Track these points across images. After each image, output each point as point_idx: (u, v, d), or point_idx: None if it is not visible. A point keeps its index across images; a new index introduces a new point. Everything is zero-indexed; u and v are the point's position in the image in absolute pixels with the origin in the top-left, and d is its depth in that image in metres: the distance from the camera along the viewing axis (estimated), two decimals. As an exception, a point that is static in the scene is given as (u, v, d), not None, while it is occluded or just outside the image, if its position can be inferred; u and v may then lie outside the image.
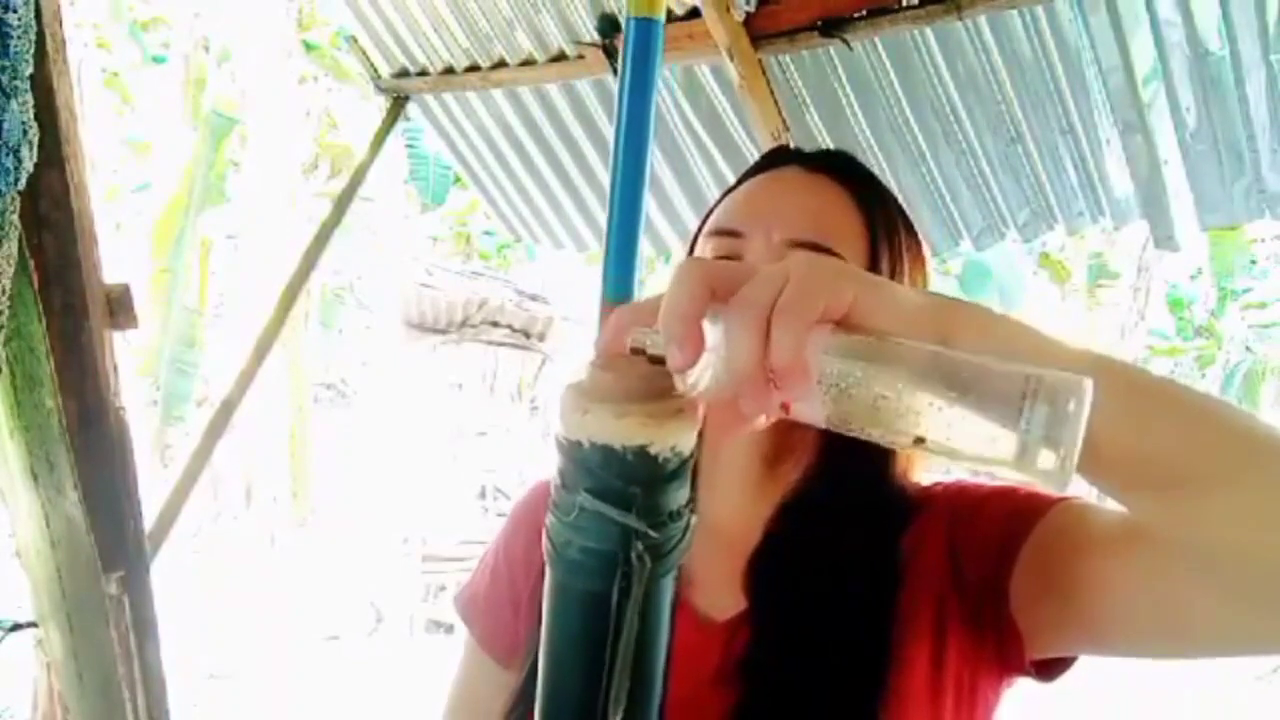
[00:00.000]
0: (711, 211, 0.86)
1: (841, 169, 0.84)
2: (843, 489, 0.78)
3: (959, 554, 0.74)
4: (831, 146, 2.51)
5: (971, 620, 0.72)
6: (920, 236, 0.86)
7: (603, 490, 0.47)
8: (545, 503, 0.88)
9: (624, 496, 0.46)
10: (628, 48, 0.51)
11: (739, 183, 0.87)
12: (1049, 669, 0.72)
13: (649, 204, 2.97)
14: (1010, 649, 0.71)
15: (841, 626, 0.72)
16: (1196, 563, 0.54)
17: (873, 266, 0.79)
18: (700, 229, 0.85)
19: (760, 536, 0.79)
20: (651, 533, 0.47)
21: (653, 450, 0.47)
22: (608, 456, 0.46)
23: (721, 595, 0.78)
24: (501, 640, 0.89)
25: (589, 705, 0.48)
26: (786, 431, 0.80)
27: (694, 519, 0.50)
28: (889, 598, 0.73)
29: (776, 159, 0.87)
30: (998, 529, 0.72)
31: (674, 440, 0.47)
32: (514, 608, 0.88)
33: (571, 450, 0.48)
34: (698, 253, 0.84)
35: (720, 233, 0.81)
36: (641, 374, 0.48)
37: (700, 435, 0.84)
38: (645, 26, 0.51)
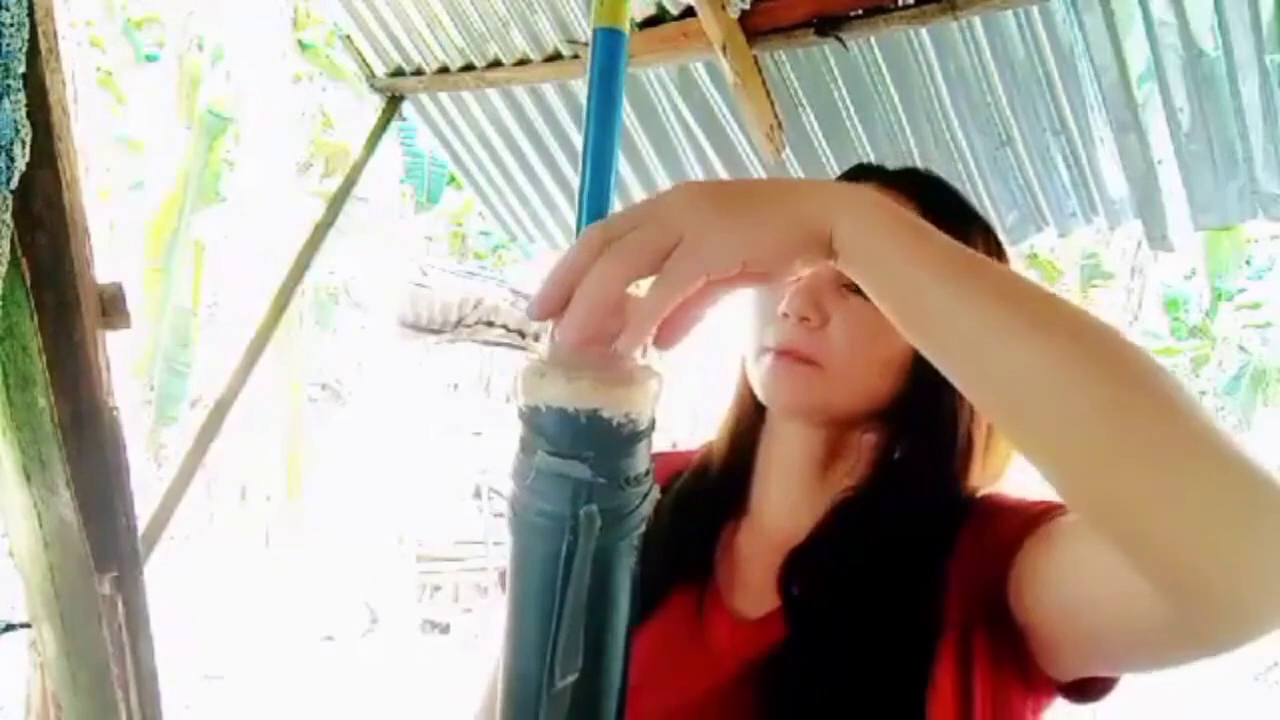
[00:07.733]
0: None
1: (926, 193, 0.77)
2: (900, 500, 0.76)
3: (979, 570, 0.72)
4: (825, 144, 2.53)
5: (992, 640, 0.70)
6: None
7: (557, 452, 0.48)
8: None
9: (578, 457, 0.48)
10: (594, 59, 0.52)
11: None
12: (1084, 690, 0.69)
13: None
14: (1029, 668, 0.69)
15: (875, 633, 0.70)
16: (1117, 539, 0.50)
17: None
18: None
19: (805, 537, 0.78)
20: (604, 487, 0.48)
21: (605, 414, 0.48)
22: (562, 419, 0.48)
23: (761, 594, 0.77)
24: None
25: (541, 669, 0.49)
26: (842, 434, 0.79)
27: (654, 489, 0.51)
28: (926, 613, 0.71)
29: (854, 176, 0.80)
30: (1002, 542, 0.71)
31: (627, 406, 0.49)
32: None
33: (529, 416, 0.49)
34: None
35: None
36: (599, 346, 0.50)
37: (756, 440, 0.82)
38: (611, 37, 0.51)
